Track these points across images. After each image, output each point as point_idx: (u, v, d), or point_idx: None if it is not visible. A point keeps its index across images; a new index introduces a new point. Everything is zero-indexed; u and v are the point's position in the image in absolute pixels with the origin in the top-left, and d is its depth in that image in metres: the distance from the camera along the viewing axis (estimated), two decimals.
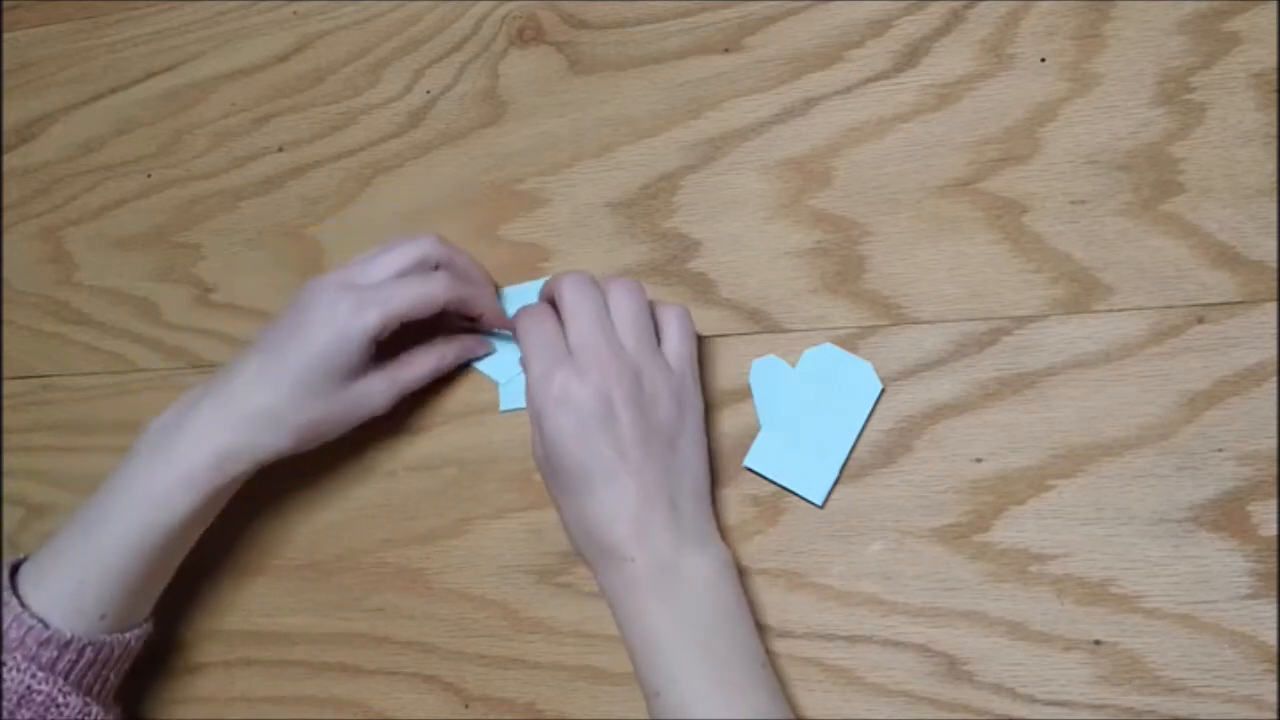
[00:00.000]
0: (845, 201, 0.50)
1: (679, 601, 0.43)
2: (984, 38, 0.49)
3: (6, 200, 0.65)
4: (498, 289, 0.54)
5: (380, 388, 0.50)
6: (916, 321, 0.48)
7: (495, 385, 0.53)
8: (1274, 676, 0.42)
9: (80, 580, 0.46)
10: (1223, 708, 0.42)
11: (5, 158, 0.65)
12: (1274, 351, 0.44)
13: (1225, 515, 0.43)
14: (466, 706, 0.51)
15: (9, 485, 0.61)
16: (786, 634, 0.47)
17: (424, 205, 0.56)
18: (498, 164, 0.55)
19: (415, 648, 0.52)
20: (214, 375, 0.50)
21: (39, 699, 0.45)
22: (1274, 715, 0.41)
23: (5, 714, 0.44)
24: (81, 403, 0.60)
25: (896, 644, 0.46)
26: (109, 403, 0.60)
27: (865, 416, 0.47)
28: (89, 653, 0.46)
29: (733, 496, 0.49)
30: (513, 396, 0.52)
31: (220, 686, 0.54)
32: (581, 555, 0.47)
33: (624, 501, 0.44)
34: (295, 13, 0.61)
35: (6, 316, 0.63)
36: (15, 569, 0.48)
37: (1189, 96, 0.46)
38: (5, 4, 0.67)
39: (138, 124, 0.63)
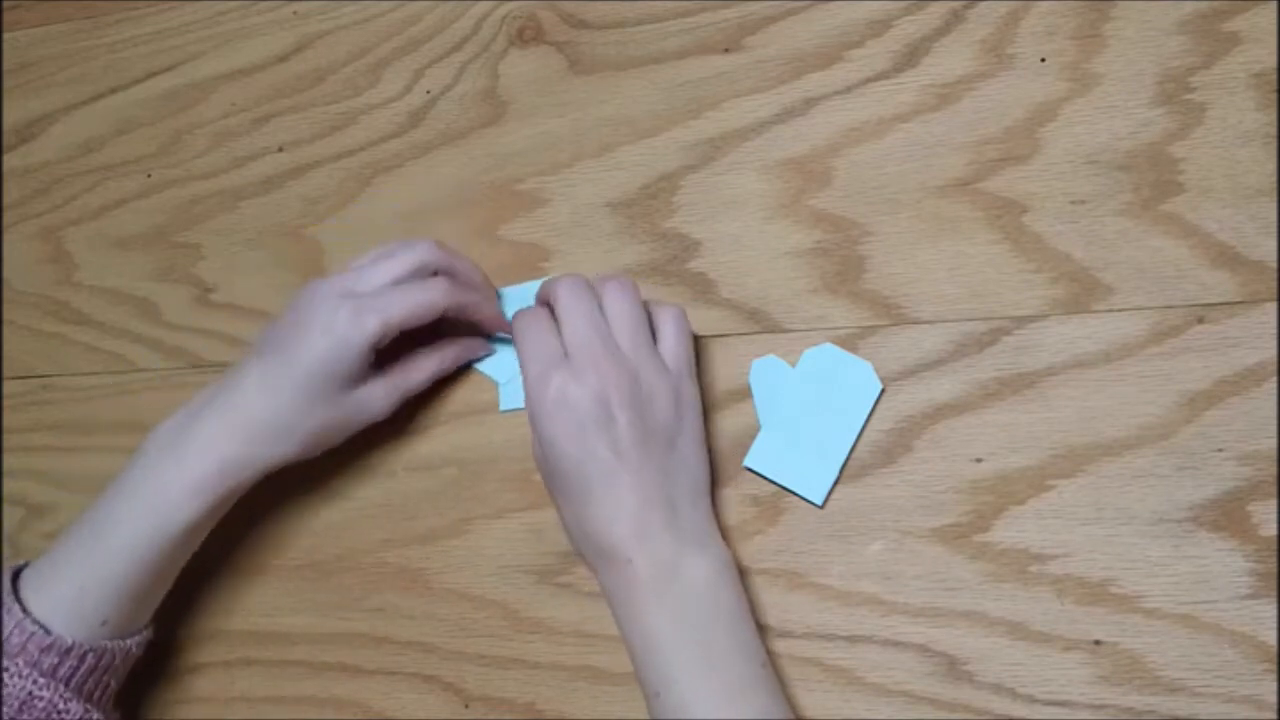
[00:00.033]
0: (845, 201, 0.50)
1: (679, 602, 0.43)
2: (984, 38, 0.49)
3: (6, 200, 0.65)
4: (495, 290, 0.54)
5: (381, 393, 0.50)
6: (916, 321, 0.48)
7: (495, 385, 0.53)
8: (1274, 676, 0.42)
9: (82, 586, 0.46)
10: (1223, 708, 0.42)
11: (5, 158, 0.65)
12: (1274, 351, 0.44)
13: (1225, 515, 0.43)
14: (466, 706, 0.51)
15: (9, 485, 0.61)
16: (786, 634, 0.47)
17: (424, 205, 0.56)
18: (498, 164, 0.55)
19: (415, 648, 0.52)
20: (218, 381, 0.50)
21: (40, 705, 0.45)
22: (1274, 715, 0.41)
23: None
24: (81, 403, 0.60)
25: (896, 644, 0.46)
26: (109, 403, 0.60)
27: (865, 416, 0.47)
28: (90, 659, 0.46)
29: (733, 496, 0.49)
30: (513, 396, 0.52)
31: (220, 687, 0.54)
32: (582, 556, 0.47)
33: (623, 502, 0.43)
34: (295, 13, 0.61)
35: (6, 316, 0.63)
36: (17, 574, 0.48)
37: (1189, 96, 0.46)
38: (5, 4, 0.67)
39: (138, 124, 0.63)
